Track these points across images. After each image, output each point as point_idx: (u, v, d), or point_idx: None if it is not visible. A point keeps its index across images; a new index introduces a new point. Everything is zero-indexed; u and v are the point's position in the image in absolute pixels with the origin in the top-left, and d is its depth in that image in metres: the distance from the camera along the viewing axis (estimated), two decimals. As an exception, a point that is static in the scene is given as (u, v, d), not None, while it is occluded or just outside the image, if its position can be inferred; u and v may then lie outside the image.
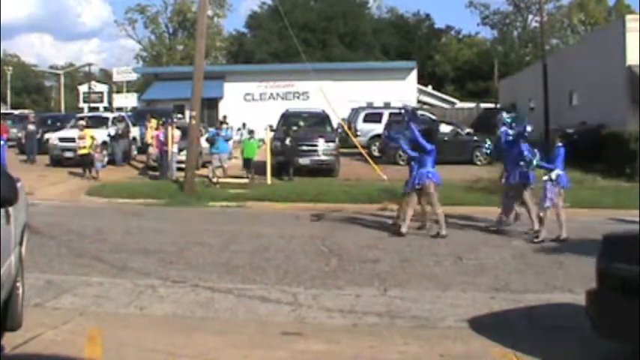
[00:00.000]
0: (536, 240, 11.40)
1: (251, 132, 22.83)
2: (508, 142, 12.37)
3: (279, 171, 20.35)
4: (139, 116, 29.25)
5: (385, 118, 28.21)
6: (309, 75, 30.14)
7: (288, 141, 20.48)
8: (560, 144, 11.99)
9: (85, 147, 20.78)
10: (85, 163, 20.91)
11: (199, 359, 5.76)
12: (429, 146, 12.00)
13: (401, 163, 24.47)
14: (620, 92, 23.49)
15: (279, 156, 20.62)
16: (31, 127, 24.85)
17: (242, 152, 21.11)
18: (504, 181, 12.60)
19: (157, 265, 9.31)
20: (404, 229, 11.92)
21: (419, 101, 44.50)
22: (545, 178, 11.69)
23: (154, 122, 23.14)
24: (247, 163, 20.69)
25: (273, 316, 7.09)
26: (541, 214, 11.70)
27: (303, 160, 21.02)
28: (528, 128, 12.17)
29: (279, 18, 43.34)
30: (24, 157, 24.29)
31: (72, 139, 23.21)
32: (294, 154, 20.56)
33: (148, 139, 23.10)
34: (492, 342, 6.20)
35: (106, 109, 42.35)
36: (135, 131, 26.76)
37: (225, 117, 28.12)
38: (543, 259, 10.10)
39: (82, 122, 22.66)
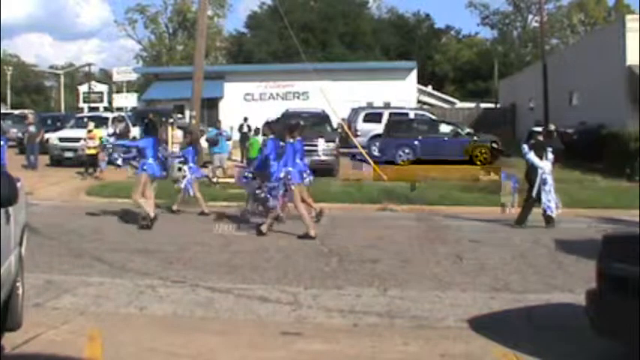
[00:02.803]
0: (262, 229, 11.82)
1: (256, 130, 22.84)
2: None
3: None
4: (139, 116, 29.25)
5: (385, 118, 28.28)
6: (309, 75, 30.15)
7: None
8: (290, 140, 12.12)
9: (94, 147, 20.84)
10: (91, 163, 20.96)
11: (199, 359, 5.76)
12: (142, 143, 12.94)
13: (401, 163, 24.63)
14: (620, 92, 23.51)
15: None
16: (32, 128, 23.70)
17: (247, 151, 21.08)
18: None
19: (156, 265, 9.30)
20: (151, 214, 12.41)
21: (419, 101, 44.49)
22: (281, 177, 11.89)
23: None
24: (251, 162, 20.59)
25: (273, 316, 7.09)
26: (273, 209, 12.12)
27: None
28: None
29: (279, 18, 43.35)
30: (23, 158, 24.05)
31: (72, 139, 23.24)
32: None
33: None
34: (492, 342, 6.20)
35: (106, 109, 42.40)
36: (135, 131, 26.75)
37: (246, 119, 27.66)
38: (543, 259, 10.10)
39: (93, 122, 22.51)
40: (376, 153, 26.07)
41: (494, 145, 25.47)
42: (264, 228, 11.83)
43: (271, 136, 12.81)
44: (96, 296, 7.60)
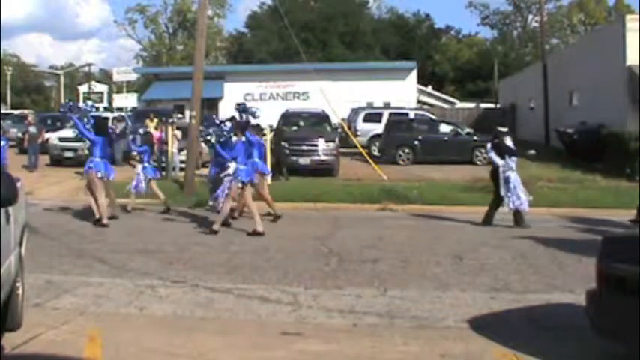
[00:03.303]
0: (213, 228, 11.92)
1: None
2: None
3: (274, 171, 20.35)
4: (139, 116, 29.23)
5: (385, 118, 28.28)
6: (309, 75, 30.15)
7: (281, 141, 20.52)
8: (242, 138, 12.33)
9: None
10: None
11: (199, 359, 5.76)
12: (92, 137, 12.80)
13: (401, 163, 24.63)
14: (620, 92, 23.49)
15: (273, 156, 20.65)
16: (32, 129, 23.54)
17: None
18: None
19: (157, 265, 9.31)
20: (104, 221, 12.51)
21: (419, 101, 44.49)
22: (225, 172, 12.10)
23: (154, 122, 23.14)
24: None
25: (273, 316, 7.09)
26: (214, 204, 12.46)
27: (303, 160, 21.02)
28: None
29: (279, 18, 43.36)
30: (23, 159, 23.99)
31: (72, 139, 23.19)
32: (285, 154, 20.53)
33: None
34: (492, 342, 6.20)
35: (106, 109, 42.37)
36: (135, 131, 26.69)
37: None
38: (543, 259, 10.10)
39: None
40: (376, 153, 26.10)
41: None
42: (259, 227, 11.89)
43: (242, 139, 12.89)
44: (96, 296, 7.60)
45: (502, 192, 12.80)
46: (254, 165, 12.90)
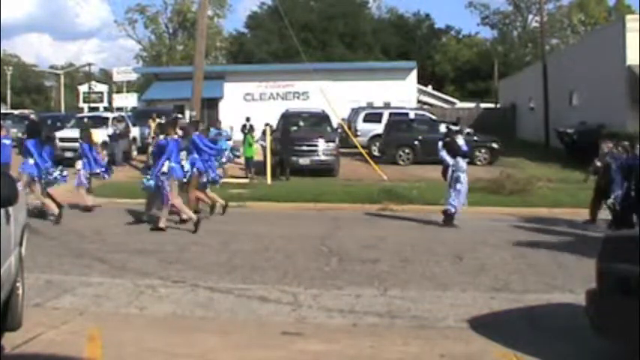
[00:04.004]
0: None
1: (251, 129, 22.89)
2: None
3: (275, 171, 20.39)
4: (139, 116, 29.24)
5: (385, 118, 28.30)
6: (309, 75, 30.19)
7: (284, 140, 20.56)
8: (174, 137, 12.48)
9: None
10: None
11: (199, 359, 5.76)
12: (28, 144, 13.05)
13: (401, 163, 24.64)
14: (620, 92, 23.51)
15: (275, 156, 20.68)
16: None
17: (243, 152, 21.18)
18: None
19: (156, 265, 9.31)
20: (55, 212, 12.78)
21: (419, 101, 44.50)
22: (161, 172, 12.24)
23: (157, 122, 23.15)
24: (247, 162, 20.80)
25: (273, 316, 7.09)
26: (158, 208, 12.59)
27: (303, 160, 21.02)
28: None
29: (279, 18, 43.35)
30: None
31: (72, 139, 23.21)
32: (289, 153, 20.57)
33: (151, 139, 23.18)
34: (492, 342, 6.20)
35: (106, 109, 42.36)
36: (135, 131, 26.75)
37: (248, 119, 27.40)
38: (543, 259, 10.10)
39: (92, 123, 22.59)
40: (376, 153, 26.11)
41: (495, 146, 25.50)
42: (161, 223, 12.09)
43: (161, 136, 13.02)
44: (96, 296, 7.60)
45: (450, 190, 12.83)
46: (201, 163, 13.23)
